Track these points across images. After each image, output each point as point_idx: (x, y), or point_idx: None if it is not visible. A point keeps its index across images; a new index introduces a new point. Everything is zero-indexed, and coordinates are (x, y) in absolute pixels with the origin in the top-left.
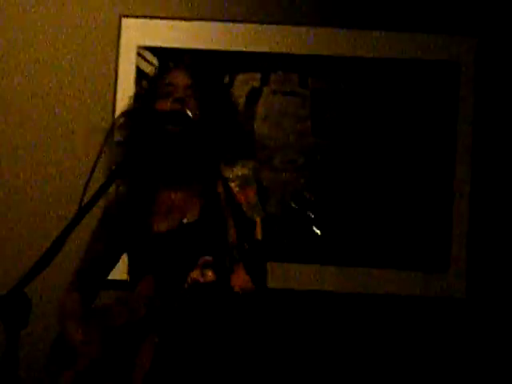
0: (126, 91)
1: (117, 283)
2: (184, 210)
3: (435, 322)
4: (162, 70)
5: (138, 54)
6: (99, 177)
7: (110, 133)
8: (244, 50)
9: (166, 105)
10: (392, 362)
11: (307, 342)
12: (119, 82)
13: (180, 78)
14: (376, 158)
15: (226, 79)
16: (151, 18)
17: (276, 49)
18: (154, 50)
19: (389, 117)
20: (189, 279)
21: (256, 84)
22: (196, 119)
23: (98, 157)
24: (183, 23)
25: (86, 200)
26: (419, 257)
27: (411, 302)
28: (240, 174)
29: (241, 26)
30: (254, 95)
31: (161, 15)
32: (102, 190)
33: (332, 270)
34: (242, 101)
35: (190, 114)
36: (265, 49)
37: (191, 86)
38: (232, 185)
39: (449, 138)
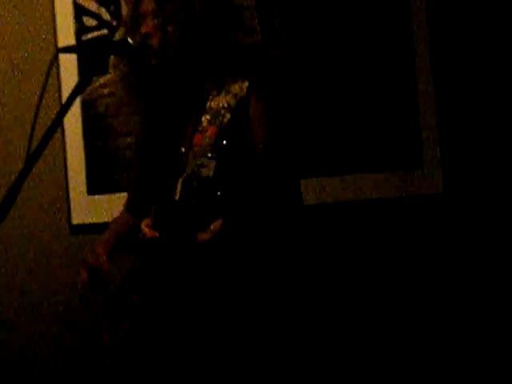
0: (65, 28)
1: None
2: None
3: (418, 219)
4: None
5: None
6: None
7: (49, 70)
8: None
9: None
10: (385, 263)
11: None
12: (57, 19)
13: (145, 6)
14: (336, 65)
15: None
16: None
17: None
18: None
19: (342, 22)
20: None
21: None
22: (173, 41)
23: (42, 94)
24: None
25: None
26: (392, 158)
27: (391, 203)
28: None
29: None
30: None
31: None
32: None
33: (306, 183)
34: None
35: (130, 41)
36: None
37: (158, 11)
38: (203, 119)
39: (403, 35)
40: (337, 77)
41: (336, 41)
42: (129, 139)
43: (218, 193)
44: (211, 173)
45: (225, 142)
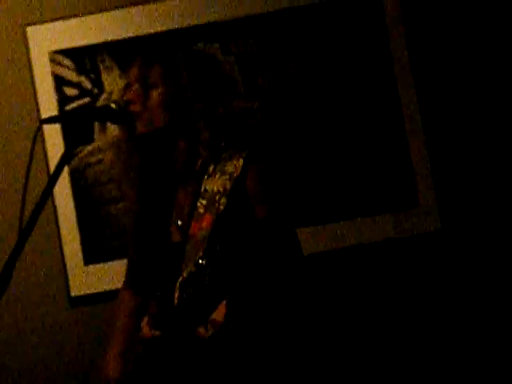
0: (46, 100)
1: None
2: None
3: (420, 257)
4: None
5: (52, 61)
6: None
7: (34, 142)
8: (158, 30)
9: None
10: (391, 305)
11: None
12: (38, 93)
13: (132, 77)
14: (318, 111)
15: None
16: (55, 20)
17: (192, 21)
18: (66, 53)
19: (323, 66)
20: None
21: None
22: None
23: (29, 166)
24: (88, 17)
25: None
26: (388, 199)
27: (392, 244)
28: (228, 171)
29: (146, 8)
30: None
31: (64, 15)
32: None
33: (304, 231)
34: None
35: (113, 106)
36: (179, 24)
37: (140, 77)
38: (199, 205)
39: (387, 76)
40: (324, 125)
41: (319, 89)
42: (120, 205)
43: (211, 283)
44: (206, 279)
45: (218, 247)
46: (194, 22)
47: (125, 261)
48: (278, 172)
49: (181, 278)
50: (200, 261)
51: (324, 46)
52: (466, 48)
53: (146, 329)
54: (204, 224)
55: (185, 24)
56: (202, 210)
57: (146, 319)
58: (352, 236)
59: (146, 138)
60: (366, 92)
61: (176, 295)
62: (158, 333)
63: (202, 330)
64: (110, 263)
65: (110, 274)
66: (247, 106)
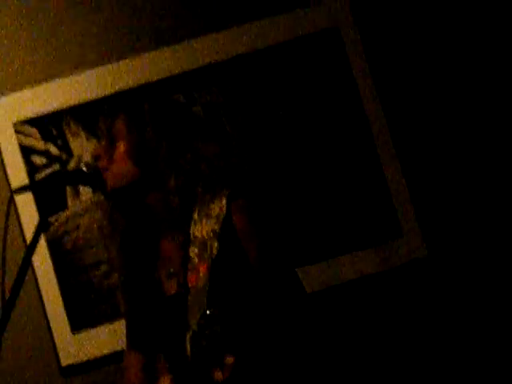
0: (15, 171)
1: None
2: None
3: (408, 287)
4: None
5: (17, 132)
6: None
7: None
8: (121, 88)
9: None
10: (383, 336)
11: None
12: (7, 164)
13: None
14: (291, 151)
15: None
16: (16, 91)
17: (154, 77)
18: (31, 122)
19: (289, 102)
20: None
21: None
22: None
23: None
24: (48, 85)
25: None
26: (370, 233)
27: (378, 278)
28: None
29: (106, 68)
30: None
31: (25, 85)
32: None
33: None
34: None
35: (84, 168)
36: (142, 81)
37: (105, 131)
38: (191, 254)
39: (355, 108)
40: (298, 165)
41: (290, 128)
42: (102, 268)
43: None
44: (218, 329)
45: (214, 290)
46: (156, 77)
47: (112, 325)
48: (265, 207)
49: (191, 332)
50: (207, 311)
51: (288, 84)
52: (431, 66)
53: None
54: (201, 274)
55: (146, 80)
56: (196, 260)
57: (164, 380)
58: (337, 274)
59: (117, 193)
60: (335, 128)
61: (188, 349)
62: None
63: (218, 373)
64: (97, 328)
65: (99, 339)
66: (216, 151)
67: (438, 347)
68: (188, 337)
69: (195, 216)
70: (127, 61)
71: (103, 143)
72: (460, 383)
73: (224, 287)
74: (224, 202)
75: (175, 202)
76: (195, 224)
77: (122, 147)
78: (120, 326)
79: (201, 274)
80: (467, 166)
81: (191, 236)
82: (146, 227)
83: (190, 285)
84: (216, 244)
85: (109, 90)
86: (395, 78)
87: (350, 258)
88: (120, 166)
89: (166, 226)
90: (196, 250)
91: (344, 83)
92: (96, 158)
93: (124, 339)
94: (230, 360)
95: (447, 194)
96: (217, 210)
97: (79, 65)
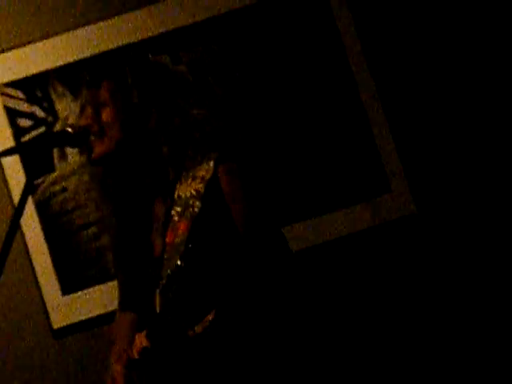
0: (1, 134)
1: None
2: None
3: (397, 243)
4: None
5: (2, 94)
6: None
7: None
8: (105, 49)
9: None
10: (373, 293)
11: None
12: None
13: (84, 100)
14: (279, 110)
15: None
16: (1, 52)
17: (138, 36)
18: (16, 84)
19: (276, 60)
20: None
21: None
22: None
23: None
24: (32, 46)
25: None
26: (359, 189)
27: (367, 233)
28: (200, 175)
29: (90, 28)
30: None
31: (9, 47)
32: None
33: None
34: None
35: (70, 130)
36: (125, 41)
37: (90, 99)
38: (173, 212)
39: (341, 65)
40: (287, 123)
41: (276, 87)
42: (91, 230)
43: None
44: (185, 279)
45: (190, 245)
46: (140, 36)
47: (103, 286)
48: (253, 170)
49: (160, 285)
50: (178, 263)
51: (276, 42)
52: (419, 20)
53: (137, 342)
54: (180, 231)
55: (131, 40)
56: (176, 218)
57: (139, 336)
58: (327, 230)
59: (107, 160)
60: (322, 85)
61: (157, 302)
62: (146, 343)
63: (191, 331)
64: (87, 290)
65: (90, 302)
66: (204, 113)
67: (427, 304)
68: (158, 290)
69: (182, 178)
70: (112, 21)
71: (89, 111)
72: (450, 344)
73: (201, 245)
74: (212, 164)
75: (167, 168)
76: (181, 185)
77: (107, 114)
78: (110, 288)
79: (179, 231)
80: (456, 120)
81: (176, 196)
82: (138, 191)
83: (167, 241)
84: (198, 203)
85: (93, 51)
86: (380, 26)
87: (340, 214)
88: (107, 133)
89: (158, 190)
90: (178, 209)
91: (329, 38)
92: (85, 127)
93: (114, 300)
94: (208, 317)
95: (436, 149)
96: (203, 171)
97: (63, 26)
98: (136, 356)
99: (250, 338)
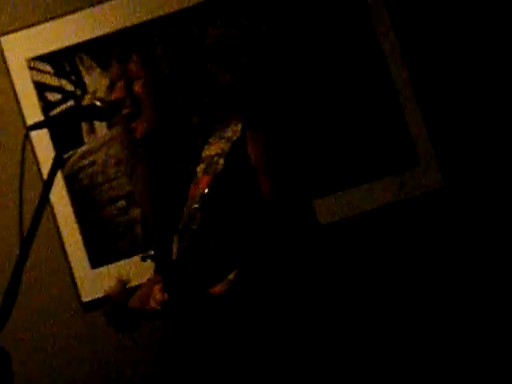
0: (30, 108)
1: None
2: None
3: (425, 217)
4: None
5: (31, 68)
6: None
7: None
8: (134, 23)
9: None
10: (401, 269)
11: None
12: (21, 101)
13: (113, 75)
14: (307, 82)
15: None
16: (29, 27)
17: (166, 10)
18: (44, 58)
19: (302, 28)
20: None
21: None
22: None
23: (22, 175)
24: (61, 20)
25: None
26: (387, 162)
27: (396, 207)
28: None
29: (119, 2)
30: None
31: (37, 21)
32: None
33: None
34: None
35: (98, 103)
36: (155, 14)
37: (121, 73)
38: (198, 169)
39: (369, 36)
40: (315, 95)
41: (305, 59)
42: (120, 204)
43: (211, 242)
44: (198, 224)
45: (206, 190)
46: (168, 10)
47: (131, 260)
48: (281, 140)
49: (178, 234)
50: (192, 208)
51: (301, 10)
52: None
53: (157, 293)
54: (201, 185)
55: (159, 13)
56: (200, 174)
57: (158, 286)
58: (354, 204)
59: (150, 137)
60: (351, 57)
61: (174, 250)
62: (166, 296)
63: (216, 287)
64: (116, 263)
65: (118, 275)
66: (233, 80)
67: (456, 280)
68: (175, 238)
69: (210, 140)
70: None
71: (120, 86)
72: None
73: (219, 200)
74: (239, 126)
75: (198, 137)
76: (208, 145)
77: (139, 87)
78: (138, 261)
79: (200, 185)
80: (485, 93)
81: (202, 157)
82: (171, 163)
83: (189, 195)
84: (222, 161)
85: (121, 25)
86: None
87: (367, 187)
88: (142, 108)
89: (188, 160)
90: (203, 166)
91: (356, 7)
92: (117, 101)
93: (142, 274)
94: (231, 275)
95: (465, 122)
96: (230, 133)
97: (92, 0)
98: (157, 307)
99: (269, 302)
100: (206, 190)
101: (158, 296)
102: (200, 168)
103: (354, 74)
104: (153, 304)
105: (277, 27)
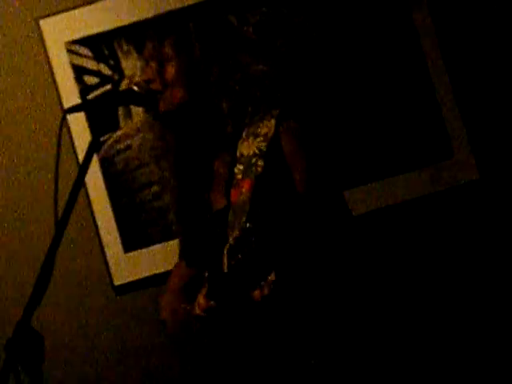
0: (68, 91)
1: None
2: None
3: (459, 209)
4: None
5: (69, 51)
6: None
7: (60, 132)
8: (172, 8)
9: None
10: (436, 257)
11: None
12: (59, 84)
13: (147, 55)
14: (343, 72)
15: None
16: (68, 10)
17: None
18: (83, 41)
19: (341, 20)
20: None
21: None
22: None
23: (57, 158)
24: (99, 4)
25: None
26: (421, 154)
27: (430, 199)
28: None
29: None
30: None
31: (76, 5)
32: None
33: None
34: None
35: (135, 88)
36: (193, 0)
37: (153, 54)
38: (236, 170)
39: (409, 31)
40: (351, 85)
41: (343, 50)
42: (153, 189)
43: (261, 250)
44: (253, 242)
45: (256, 204)
46: None
47: (163, 245)
48: (315, 131)
49: (228, 245)
50: (246, 225)
51: (342, 8)
52: None
53: (201, 300)
54: (243, 189)
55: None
56: (240, 176)
57: (202, 292)
58: (388, 195)
59: (168, 116)
60: (387, 48)
61: (225, 262)
62: (212, 303)
63: (256, 292)
64: (149, 248)
65: (151, 259)
66: (266, 70)
67: (489, 273)
68: (225, 251)
69: (243, 135)
70: None
71: (152, 66)
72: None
73: (265, 205)
74: (273, 122)
75: (227, 124)
76: (242, 142)
77: (171, 70)
78: (171, 246)
79: (243, 190)
80: None
81: (238, 154)
82: (198, 148)
83: (232, 199)
84: (261, 162)
85: (160, 10)
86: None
87: (401, 179)
88: (170, 89)
89: (218, 147)
90: (241, 168)
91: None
92: (148, 81)
93: (175, 259)
94: (271, 277)
95: (500, 114)
96: (265, 129)
97: None
98: (201, 313)
99: (309, 299)
100: (261, 210)
101: (203, 303)
102: (238, 169)
103: (390, 65)
104: (197, 311)
105: (315, 19)
